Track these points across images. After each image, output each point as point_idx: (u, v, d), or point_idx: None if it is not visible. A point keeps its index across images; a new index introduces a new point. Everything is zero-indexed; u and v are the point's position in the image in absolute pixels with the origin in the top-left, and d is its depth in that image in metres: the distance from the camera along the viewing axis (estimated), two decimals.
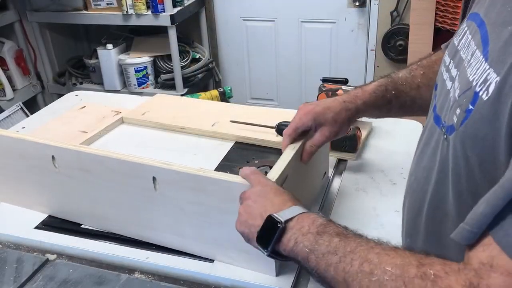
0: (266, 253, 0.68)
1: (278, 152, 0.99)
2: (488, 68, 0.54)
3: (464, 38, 0.65)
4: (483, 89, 0.53)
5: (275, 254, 0.68)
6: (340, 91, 1.27)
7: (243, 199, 0.75)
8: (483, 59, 0.56)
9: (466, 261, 0.49)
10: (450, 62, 0.69)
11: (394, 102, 0.92)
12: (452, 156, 0.59)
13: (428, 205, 0.68)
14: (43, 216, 1.03)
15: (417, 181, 0.73)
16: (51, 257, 0.93)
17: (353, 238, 0.61)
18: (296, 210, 0.68)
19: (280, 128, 1.06)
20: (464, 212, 0.51)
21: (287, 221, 0.67)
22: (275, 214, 0.67)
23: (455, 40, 0.70)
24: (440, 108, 0.67)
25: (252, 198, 0.73)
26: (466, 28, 0.67)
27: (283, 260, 0.70)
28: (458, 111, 0.58)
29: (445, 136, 0.62)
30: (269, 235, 0.67)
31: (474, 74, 0.56)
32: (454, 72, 0.66)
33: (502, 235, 0.45)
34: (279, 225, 0.66)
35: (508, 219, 0.45)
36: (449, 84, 0.66)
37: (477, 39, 0.60)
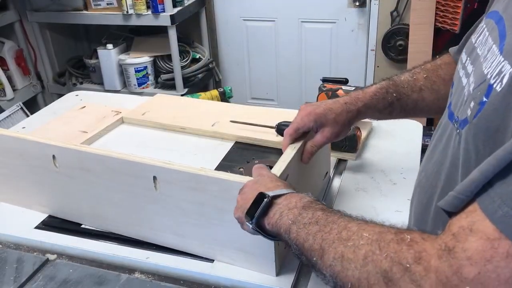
0: (251, 226, 0.70)
1: (278, 152, 0.99)
2: (503, 61, 0.53)
3: (482, 35, 0.66)
4: (497, 81, 0.52)
5: (259, 228, 0.70)
6: (340, 91, 1.27)
7: (242, 189, 0.77)
8: (499, 52, 0.55)
9: (446, 228, 0.48)
10: (466, 59, 0.69)
11: (395, 105, 0.92)
12: (464, 149, 0.59)
13: (437, 199, 0.68)
14: (43, 216, 1.03)
15: (427, 176, 0.74)
16: (51, 257, 0.93)
17: (336, 212, 0.62)
18: (286, 190, 0.71)
19: (280, 128, 1.06)
20: None
21: (275, 197, 0.69)
22: (264, 191, 0.70)
23: (473, 38, 0.70)
24: (454, 104, 0.67)
25: (249, 186, 0.76)
26: (484, 26, 0.67)
27: (267, 237, 0.71)
28: (472, 104, 0.58)
29: (457, 131, 0.62)
30: (256, 209, 0.69)
31: (489, 67, 0.56)
32: (470, 68, 0.66)
33: (488, 202, 0.44)
34: (265, 198, 0.68)
35: (495, 187, 0.44)
36: (464, 80, 0.66)
37: (494, 35, 0.60)
